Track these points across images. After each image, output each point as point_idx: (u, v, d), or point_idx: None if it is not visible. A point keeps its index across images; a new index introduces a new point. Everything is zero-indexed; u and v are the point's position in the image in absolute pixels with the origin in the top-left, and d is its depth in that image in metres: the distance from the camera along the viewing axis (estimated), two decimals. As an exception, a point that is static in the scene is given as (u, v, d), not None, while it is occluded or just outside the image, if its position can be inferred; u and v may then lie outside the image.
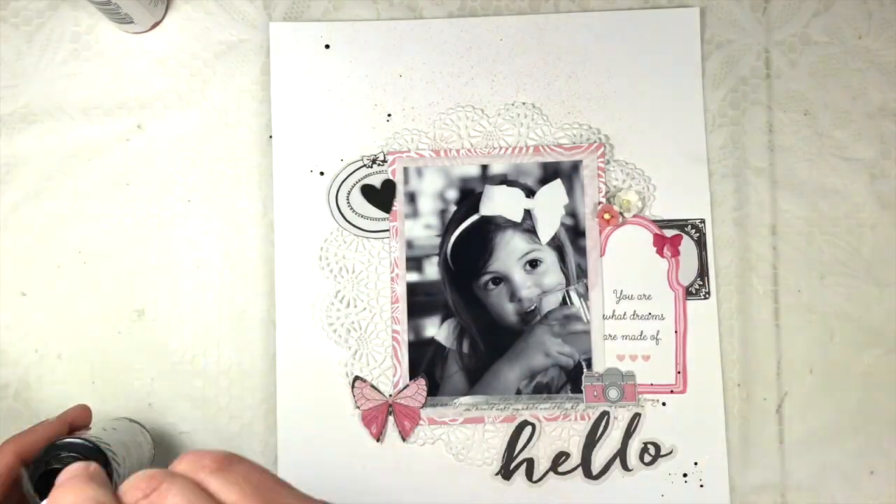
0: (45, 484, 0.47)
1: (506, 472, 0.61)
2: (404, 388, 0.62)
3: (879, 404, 0.62)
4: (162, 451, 0.62)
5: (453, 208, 0.63)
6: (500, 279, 0.62)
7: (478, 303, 0.62)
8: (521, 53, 0.65)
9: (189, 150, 0.65)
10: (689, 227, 0.63)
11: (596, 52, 0.64)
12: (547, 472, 0.61)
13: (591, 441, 0.61)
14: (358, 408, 0.62)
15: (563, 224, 0.63)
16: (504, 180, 0.63)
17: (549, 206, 0.63)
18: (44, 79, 0.65)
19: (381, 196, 0.63)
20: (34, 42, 0.65)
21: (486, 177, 0.63)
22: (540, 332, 0.62)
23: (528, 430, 0.62)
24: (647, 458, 0.61)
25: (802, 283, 0.63)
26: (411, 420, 0.62)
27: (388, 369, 0.62)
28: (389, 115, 0.64)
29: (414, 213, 0.63)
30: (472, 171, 0.63)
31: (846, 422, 0.62)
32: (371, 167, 0.64)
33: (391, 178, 0.63)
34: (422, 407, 0.62)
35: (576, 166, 0.63)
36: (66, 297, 0.63)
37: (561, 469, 0.61)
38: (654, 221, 0.63)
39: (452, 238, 0.63)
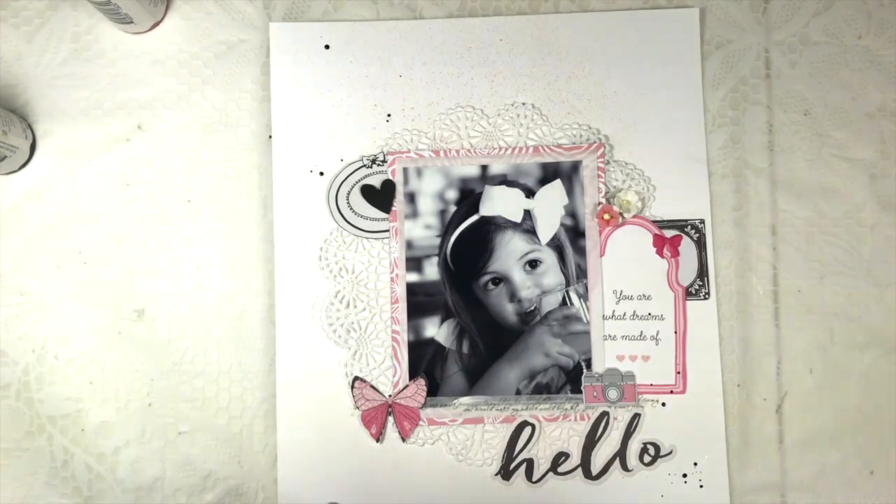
0: None
1: (506, 473, 0.62)
2: (404, 388, 0.62)
3: (879, 404, 0.62)
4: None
5: (453, 208, 0.63)
6: (499, 279, 0.62)
7: (478, 303, 0.62)
8: (521, 53, 0.65)
9: (189, 150, 0.65)
10: (689, 227, 0.63)
11: (596, 52, 0.64)
12: (547, 473, 0.61)
13: (591, 441, 0.61)
14: (358, 408, 0.62)
15: (562, 224, 0.63)
16: (504, 180, 0.63)
17: (549, 206, 0.63)
18: (44, 79, 0.65)
19: (380, 196, 0.63)
20: (34, 42, 0.65)
21: (485, 177, 0.63)
22: (540, 332, 0.62)
23: (527, 430, 0.62)
24: (647, 459, 0.61)
25: (802, 283, 0.63)
26: (411, 420, 0.62)
27: (388, 369, 0.62)
28: (389, 115, 0.64)
29: (414, 214, 0.63)
30: (472, 171, 0.63)
31: (846, 422, 0.62)
32: (371, 167, 0.64)
33: (391, 178, 0.63)
34: (421, 407, 0.62)
35: (576, 166, 0.63)
36: (66, 297, 0.63)
37: (561, 469, 0.61)
38: (654, 221, 0.63)
39: (452, 238, 0.63)
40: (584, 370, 0.62)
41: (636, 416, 0.62)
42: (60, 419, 0.63)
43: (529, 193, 0.63)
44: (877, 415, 0.62)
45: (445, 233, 0.63)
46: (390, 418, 0.62)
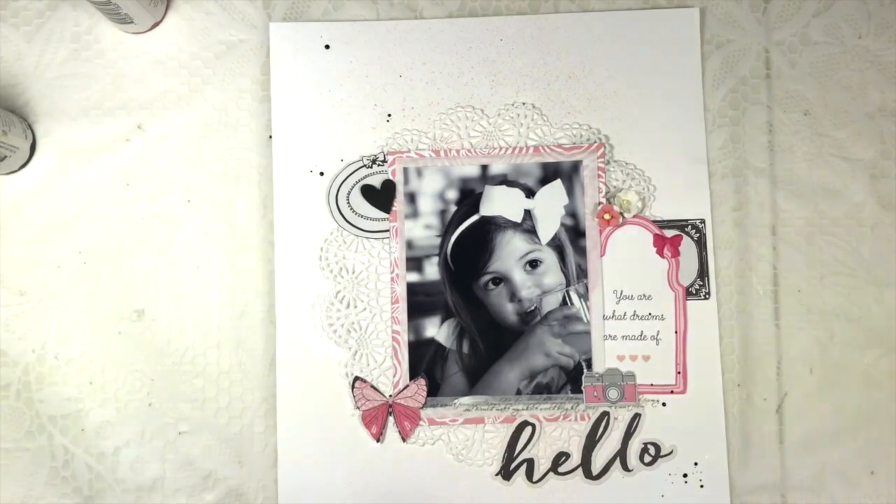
0: None
1: (506, 473, 0.62)
2: (404, 388, 0.62)
3: (879, 404, 0.62)
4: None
5: (453, 208, 0.63)
6: (500, 279, 0.62)
7: (478, 303, 0.62)
8: (521, 53, 0.65)
9: (189, 150, 0.65)
10: (689, 227, 0.63)
11: (596, 52, 0.64)
12: (547, 473, 0.61)
13: (592, 441, 0.61)
14: (358, 408, 0.62)
15: (563, 224, 0.63)
16: (504, 180, 0.63)
17: (549, 206, 0.63)
18: (44, 79, 0.65)
19: (381, 196, 0.63)
20: (34, 42, 0.65)
21: (486, 177, 0.63)
22: (540, 332, 0.62)
23: (528, 430, 0.62)
24: (648, 459, 0.61)
25: (802, 283, 0.63)
26: (411, 420, 0.62)
27: (388, 369, 0.62)
28: (389, 115, 0.64)
29: (414, 214, 0.63)
30: (472, 171, 0.63)
31: (846, 422, 0.62)
32: (371, 167, 0.64)
33: (391, 178, 0.63)
34: (422, 407, 0.62)
35: (576, 166, 0.63)
36: (66, 297, 0.63)
37: (561, 469, 0.61)
38: (654, 221, 0.63)
39: (452, 238, 0.63)
40: (585, 370, 0.62)
41: (636, 416, 0.62)
42: (60, 419, 0.63)
43: (530, 193, 0.63)
44: (877, 415, 0.62)
45: (446, 233, 0.63)
46: (391, 418, 0.62)
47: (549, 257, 0.63)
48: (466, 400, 0.62)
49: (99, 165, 0.65)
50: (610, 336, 0.62)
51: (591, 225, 0.63)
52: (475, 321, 0.62)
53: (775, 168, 0.64)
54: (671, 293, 0.62)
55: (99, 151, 0.65)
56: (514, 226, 0.63)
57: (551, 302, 0.62)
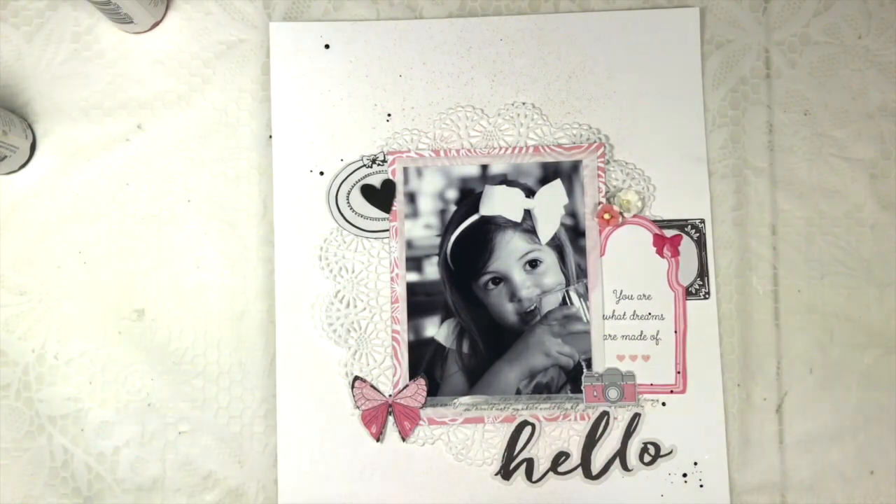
0: None
1: (505, 473, 0.62)
2: (404, 388, 0.62)
3: (879, 404, 0.62)
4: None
5: (453, 208, 0.63)
6: (500, 279, 0.62)
7: (478, 303, 0.62)
8: (521, 53, 0.65)
9: (189, 150, 0.65)
10: (689, 227, 0.63)
11: (596, 52, 0.64)
12: (547, 473, 0.61)
13: (591, 441, 0.61)
14: (358, 408, 0.62)
15: (563, 224, 0.63)
16: (504, 180, 0.63)
17: (549, 206, 0.63)
18: (44, 79, 0.65)
19: (381, 196, 0.63)
20: (34, 42, 0.65)
21: (486, 177, 0.63)
22: (540, 332, 0.62)
23: (527, 430, 0.62)
24: (647, 458, 0.61)
25: (802, 283, 0.63)
26: (411, 420, 0.62)
27: (388, 369, 0.62)
28: (389, 115, 0.64)
29: (414, 213, 0.63)
30: (472, 171, 0.63)
31: (846, 422, 0.62)
32: (371, 167, 0.64)
33: (391, 178, 0.63)
34: (422, 407, 0.62)
35: (576, 166, 0.63)
36: (65, 297, 0.63)
37: (561, 469, 0.61)
38: (654, 221, 0.63)
39: (452, 238, 0.63)
40: (585, 370, 0.62)
41: (636, 415, 0.62)
42: (60, 419, 0.63)
43: (529, 193, 0.63)
44: (877, 415, 0.62)
45: (445, 232, 0.63)
46: (390, 418, 0.62)
47: (549, 257, 0.63)
48: (466, 400, 0.62)
49: (99, 165, 0.65)
50: (610, 336, 0.62)
51: (591, 225, 0.63)
52: (475, 321, 0.62)
53: (775, 168, 0.64)
54: (671, 293, 0.62)
55: (99, 151, 0.65)
56: (514, 225, 0.63)
57: (551, 302, 0.62)
